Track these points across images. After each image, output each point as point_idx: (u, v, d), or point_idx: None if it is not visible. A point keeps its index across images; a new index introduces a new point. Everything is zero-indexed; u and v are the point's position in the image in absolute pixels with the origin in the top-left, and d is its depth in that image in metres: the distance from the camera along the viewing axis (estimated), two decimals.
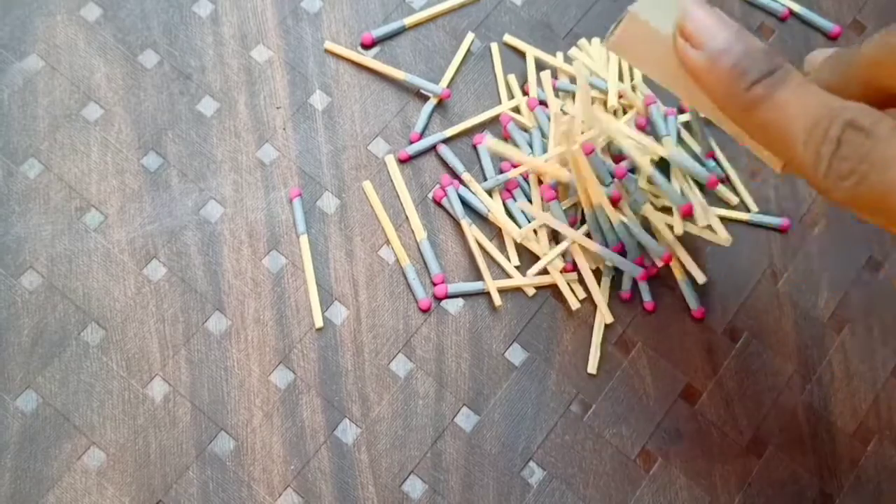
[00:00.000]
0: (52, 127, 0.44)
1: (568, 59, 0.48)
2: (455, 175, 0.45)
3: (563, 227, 0.43)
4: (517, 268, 0.44)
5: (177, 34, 0.46)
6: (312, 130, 0.46)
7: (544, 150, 0.45)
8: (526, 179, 0.45)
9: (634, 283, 0.44)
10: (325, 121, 0.46)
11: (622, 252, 0.44)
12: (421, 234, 0.44)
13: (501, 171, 0.45)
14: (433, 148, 0.46)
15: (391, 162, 0.45)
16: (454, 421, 0.41)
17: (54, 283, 0.42)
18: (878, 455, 0.43)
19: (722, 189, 0.46)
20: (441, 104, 0.47)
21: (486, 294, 0.44)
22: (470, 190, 0.45)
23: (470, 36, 0.48)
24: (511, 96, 0.47)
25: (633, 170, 0.44)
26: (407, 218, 0.45)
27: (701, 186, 0.45)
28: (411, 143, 0.46)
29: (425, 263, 0.44)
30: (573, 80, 0.47)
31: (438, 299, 0.43)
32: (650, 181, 0.44)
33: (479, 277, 0.44)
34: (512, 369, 0.43)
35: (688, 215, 0.43)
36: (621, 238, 0.43)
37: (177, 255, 0.43)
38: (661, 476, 0.42)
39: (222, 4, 0.47)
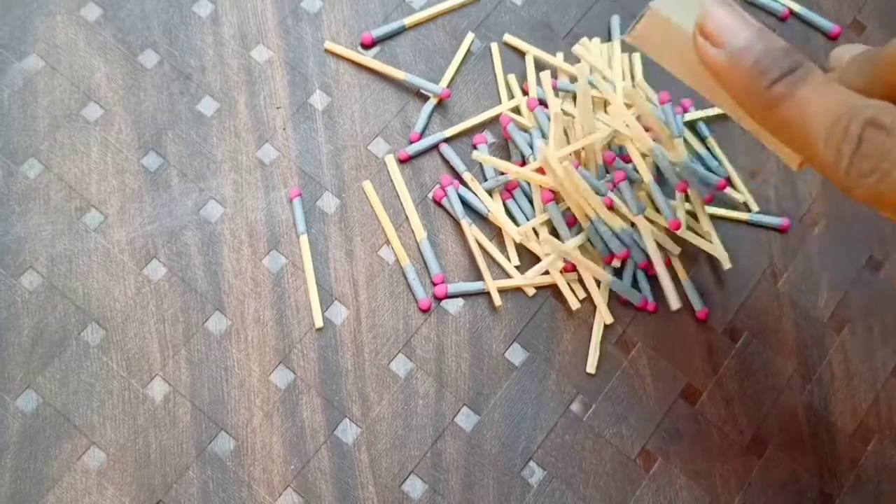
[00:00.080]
0: (52, 127, 0.44)
1: (569, 59, 0.48)
2: (456, 174, 0.45)
3: (564, 248, 0.43)
4: (517, 268, 0.44)
5: (177, 34, 0.46)
6: (312, 130, 0.46)
7: None
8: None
9: (635, 282, 0.44)
10: (325, 121, 0.46)
11: (628, 258, 0.44)
12: (421, 234, 0.44)
13: (501, 172, 0.45)
14: (433, 148, 0.46)
15: (391, 162, 0.45)
16: (454, 421, 0.41)
17: (54, 283, 0.42)
18: (878, 455, 0.43)
19: (731, 191, 0.46)
20: (441, 104, 0.47)
21: (486, 294, 0.44)
22: (471, 190, 0.45)
23: (470, 36, 0.48)
24: (511, 96, 0.47)
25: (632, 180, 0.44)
26: (407, 218, 0.45)
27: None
28: (411, 142, 0.46)
29: (425, 263, 0.44)
30: (573, 79, 0.47)
31: (438, 299, 0.43)
32: (646, 192, 0.44)
33: (479, 277, 0.44)
34: (512, 369, 0.43)
35: (675, 229, 0.43)
36: (626, 244, 0.43)
37: (177, 255, 0.43)
38: (661, 476, 0.42)
39: (222, 4, 0.47)
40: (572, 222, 0.44)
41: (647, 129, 0.45)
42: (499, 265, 0.44)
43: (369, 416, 0.41)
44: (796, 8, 0.50)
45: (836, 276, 0.46)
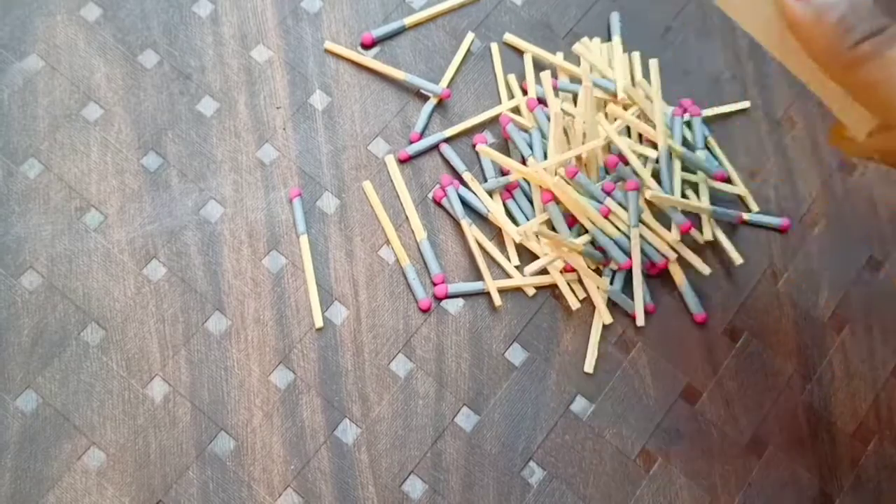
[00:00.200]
0: (52, 127, 0.44)
1: (569, 58, 0.48)
2: (456, 174, 0.45)
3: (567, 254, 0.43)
4: (517, 268, 0.44)
5: (177, 34, 0.46)
6: (312, 130, 0.45)
7: (544, 151, 0.45)
8: (526, 180, 0.45)
9: (631, 286, 0.44)
10: (325, 121, 0.46)
11: (631, 268, 0.44)
12: (421, 234, 0.44)
13: (502, 172, 0.45)
14: (433, 148, 0.46)
15: (391, 162, 0.45)
16: (454, 421, 0.41)
17: (54, 283, 0.42)
18: (878, 455, 0.43)
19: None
20: (441, 104, 0.47)
21: (486, 294, 0.44)
22: (471, 190, 0.45)
23: (470, 36, 0.48)
24: (511, 96, 0.47)
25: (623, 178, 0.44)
26: (407, 218, 0.44)
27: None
28: (411, 143, 0.46)
29: (425, 263, 0.44)
30: (572, 79, 0.47)
31: (438, 299, 0.43)
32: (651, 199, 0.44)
33: (479, 277, 0.44)
34: (512, 369, 0.43)
35: (686, 232, 0.43)
36: (626, 251, 0.43)
37: (177, 255, 0.43)
38: (661, 476, 0.42)
39: (222, 4, 0.47)
40: (572, 222, 0.44)
41: (640, 138, 0.45)
42: (499, 265, 0.44)
43: (369, 417, 0.41)
44: None
45: (836, 276, 0.46)
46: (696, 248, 0.45)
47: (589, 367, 0.43)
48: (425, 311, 0.43)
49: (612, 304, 0.44)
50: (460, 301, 0.43)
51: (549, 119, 0.46)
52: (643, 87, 0.47)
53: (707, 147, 0.47)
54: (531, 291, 0.44)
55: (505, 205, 0.45)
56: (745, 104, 0.48)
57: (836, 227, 0.47)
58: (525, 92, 0.47)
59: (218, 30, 0.47)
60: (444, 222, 0.45)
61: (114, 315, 0.41)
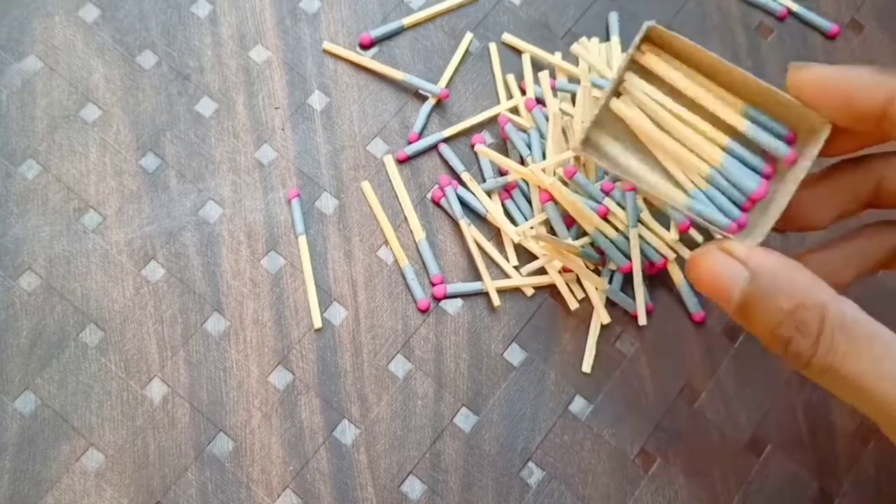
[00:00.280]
0: (50, 128, 0.44)
1: (567, 58, 0.48)
2: (455, 175, 0.45)
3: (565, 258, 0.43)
4: (516, 268, 0.44)
5: (175, 35, 0.46)
6: (311, 131, 0.45)
7: (543, 151, 0.45)
8: (525, 180, 0.45)
9: (631, 286, 0.44)
10: (323, 121, 0.46)
11: (632, 270, 0.43)
12: (419, 235, 0.44)
13: (501, 173, 0.45)
14: (432, 148, 0.46)
15: (390, 162, 0.45)
16: (453, 421, 0.41)
17: (53, 284, 0.42)
18: (877, 454, 0.43)
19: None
20: (440, 104, 0.47)
21: (485, 294, 0.44)
22: (469, 190, 0.45)
23: (468, 36, 0.48)
24: (509, 96, 0.47)
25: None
26: (405, 218, 0.44)
27: None
28: (410, 143, 0.46)
29: (424, 264, 0.44)
30: (571, 79, 0.47)
31: (437, 300, 0.43)
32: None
33: (478, 278, 0.44)
34: (511, 369, 0.42)
35: (684, 232, 0.43)
36: (625, 252, 0.43)
37: (175, 255, 0.43)
38: (661, 476, 0.42)
39: (220, 5, 0.47)
40: (570, 223, 0.44)
41: None
42: (497, 265, 0.44)
43: (368, 417, 0.41)
44: (794, 7, 0.50)
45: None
46: (695, 247, 0.45)
47: (587, 367, 0.43)
48: (424, 311, 0.43)
49: (610, 304, 0.44)
50: (459, 301, 0.43)
51: (547, 119, 0.46)
52: None
53: None
54: (530, 292, 0.44)
55: (503, 205, 0.45)
56: None
57: (835, 226, 0.47)
58: (524, 92, 0.47)
59: (216, 30, 0.47)
60: (442, 222, 0.45)
61: (112, 316, 0.41)
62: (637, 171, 0.35)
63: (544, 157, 0.45)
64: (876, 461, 0.43)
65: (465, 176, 0.45)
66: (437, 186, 0.45)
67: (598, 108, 0.35)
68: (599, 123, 0.35)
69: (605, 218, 0.43)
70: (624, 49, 0.48)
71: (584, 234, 0.44)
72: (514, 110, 0.47)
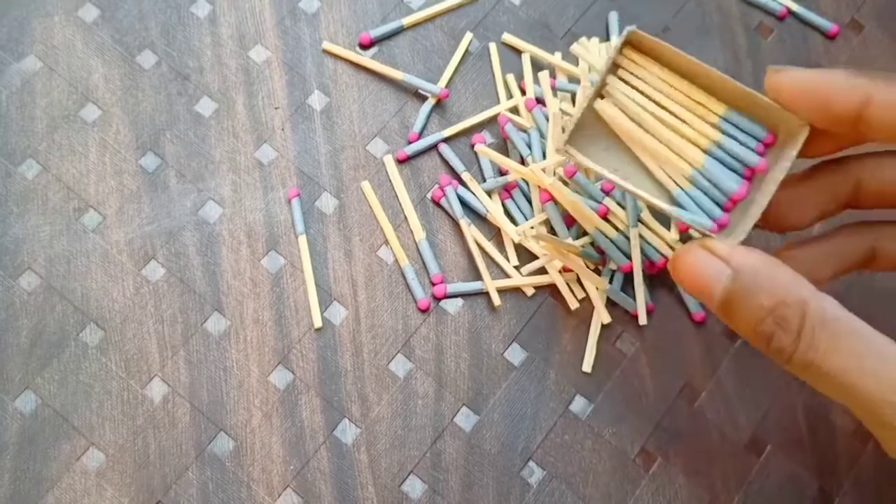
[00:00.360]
0: (50, 128, 0.44)
1: (567, 58, 0.48)
2: (455, 174, 0.45)
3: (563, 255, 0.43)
4: (516, 268, 0.44)
5: (175, 35, 0.46)
6: (311, 131, 0.45)
7: (543, 151, 0.45)
8: (525, 180, 0.45)
9: (631, 285, 0.44)
10: (323, 121, 0.46)
11: (632, 270, 0.43)
12: (420, 235, 0.44)
13: (501, 173, 0.45)
14: (432, 148, 0.46)
15: (389, 162, 0.45)
16: (453, 421, 0.41)
17: (53, 283, 0.42)
18: (877, 454, 0.43)
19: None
20: (439, 104, 0.47)
21: (485, 294, 0.44)
22: (469, 190, 0.45)
23: (468, 36, 0.48)
24: (509, 96, 0.47)
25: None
26: (406, 218, 0.44)
27: None
28: (410, 143, 0.46)
29: (424, 264, 0.44)
30: (571, 79, 0.47)
31: (437, 299, 0.43)
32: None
33: (478, 277, 0.44)
34: (511, 369, 0.43)
35: (685, 231, 0.43)
36: (625, 252, 0.43)
37: (175, 255, 0.43)
38: (661, 475, 0.42)
39: (220, 5, 0.47)
40: (571, 222, 0.44)
41: None
42: (497, 265, 0.44)
43: (368, 417, 0.41)
44: (794, 7, 0.50)
45: None
46: None
47: (587, 366, 0.43)
48: (424, 311, 0.43)
49: (610, 304, 0.44)
50: (459, 301, 0.43)
51: (547, 119, 0.46)
52: None
53: None
54: (530, 291, 0.44)
55: (504, 205, 0.45)
56: None
57: (834, 225, 0.47)
58: (524, 92, 0.47)
59: (216, 30, 0.47)
60: (442, 222, 0.45)
61: (112, 316, 0.41)
62: (619, 174, 0.36)
63: (544, 156, 0.45)
64: (876, 461, 0.43)
65: (466, 176, 0.45)
66: (437, 186, 0.45)
67: (581, 110, 0.35)
68: (581, 126, 0.36)
69: (605, 218, 0.43)
70: None
71: (585, 233, 0.44)
72: (514, 110, 0.47)
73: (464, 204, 0.45)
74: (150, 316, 0.42)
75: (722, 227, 0.36)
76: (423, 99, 0.47)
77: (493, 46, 0.48)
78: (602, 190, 0.43)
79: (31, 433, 0.40)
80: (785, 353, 0.32)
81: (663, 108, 0.36)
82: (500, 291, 0.44)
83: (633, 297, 0.43)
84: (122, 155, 0.44)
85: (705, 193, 0.36)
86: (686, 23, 0.50)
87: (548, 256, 0.43)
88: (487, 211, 0.44)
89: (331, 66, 0.47)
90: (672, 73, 0.36)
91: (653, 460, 0.42)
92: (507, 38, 0.48)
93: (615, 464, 0.41)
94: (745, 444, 0.42)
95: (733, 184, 0.35)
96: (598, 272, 0.44)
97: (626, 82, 0.36)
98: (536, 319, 0.43)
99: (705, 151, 0.36)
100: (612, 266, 0.44)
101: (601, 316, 0.43)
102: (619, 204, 0.43)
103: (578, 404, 0.42)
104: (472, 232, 0.44)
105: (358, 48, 0.47)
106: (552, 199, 0.44)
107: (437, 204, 0.45)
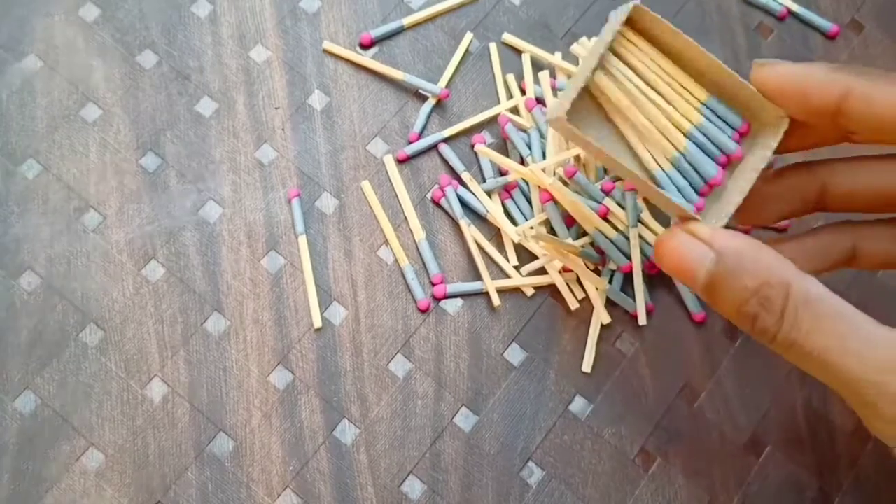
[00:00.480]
0: (50, 127, 0.44)
1: (567, 58, 0.48)
2: (455, 175, 0.45)
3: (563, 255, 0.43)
4: (516, 268, 0.44)
5: (175, 34, 0.46)
6: (311, 130, 0.46)
7: (543, 151, 0.45)
8: (525, 180, 0.45)
9: (631, 285, 0.44)
10: (323, 121, 0.46)
11: (632, 270, 0.43)
12: (419, 235, 0.44)
13: (501, 173, 0.45)
14: (432, 148, 0.46)
15: (390, 162, 0.45)
16: (453, 421, 0.41)
17: (53, 283, 0.42)
18: (877, 454, 0.43)
19: None
20: (440, 104, 0.47)
21: (485, 294, 0.44)
22: (469, 190, 0.45)
23: (468, 36, 0.48)
24: (510, 96, 0.47)
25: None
26: (405, 218, 0.44)
27: None
28: (410, 143, 0.46)
29: (424, 264, 0.44)
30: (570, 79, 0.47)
31: (437, 299, 0.43)
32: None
33: (478, 277, 0.44)
34: (511, 369, 0.43)
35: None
36: (625, 252, 0.43)
37: (175, 255, 0.43)
38: (661, 476, 0.42)
39: (221, 5, 0.47)
40: (571, 222, 0.44)
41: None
42: (497, 265, 0.44)
43: (368, 417, 0.41)
44: (794, 7, 0.50)
45: (834, 275, 0.46)
46: None
47: (587, 366, 0.43)
48: (424, 311, 0.43)
49: (610, 304, 0.44)
50: (459, 301, 0.43)
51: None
52: None
53: None
54: (530, 292, 0.44)
55: (504, 205, 0.45)
56: None
57: None
58: (524, 92, 0.47)
59: (216, 30, 0.47)
60: (442, 222, 0.45)
61: (112, 316, 0.42)
62: (607, 151, 0.36)
63: (544, 156, 0.45)
64: (876, 461, 0.43)
65: (465, 176, 0.45)
66: (437, 186, 0.45)
67: (581, 81, 0.35)
68: (573, 112, 0.36)
69: (605, 218, 0.43)
70: None
71: (584, 233, 0.44)
72: (514, 110, 0.47)
73: (464, 204, 0.45)
74: (150, 316, 0.42)
75: (699, 210, 0.36)
76: (424, 99, 0.47)
77: (493, 46, 0.48)
78: (602, 190, 0.43)
79: (31, 433, 0.40)
80: (769, 333, 0.32)
81: (652, 87, 0.36)
82: (500, 292, 0.44)
83: (633, 298, 0.43)
84: (123, 155, 0.44)
85: (684, 176, 0.36)
86: (686, 23, 0.50)
87: (547, 256, 0.43)
88: (487, 211, 0.44)
89: (331, 65, 0.47)
90: (662, 56, 0.36)
91: (652, 461, 0.42)
92: (508, 38, 0.48)
93: (615, 464, 0.41)
94: (745, 444, 0.42)
95: (711, 169, 0.36)
96: (597, 272, 0.44)
97: (620, 58, 0.36)
98: (536, 320, 0.43)
99: (686, 135, 0.36)
100: (612, 266, 0.44)
101: (601, 316, 0.43)
102: (618, 204, 0.43)
103: (578, 405, 0.42)
104: (471, 232, 0.44)
105: (358, 48, 0.47)
106: (552, 199, 0.44)
107: (437, 204, 0.45)
